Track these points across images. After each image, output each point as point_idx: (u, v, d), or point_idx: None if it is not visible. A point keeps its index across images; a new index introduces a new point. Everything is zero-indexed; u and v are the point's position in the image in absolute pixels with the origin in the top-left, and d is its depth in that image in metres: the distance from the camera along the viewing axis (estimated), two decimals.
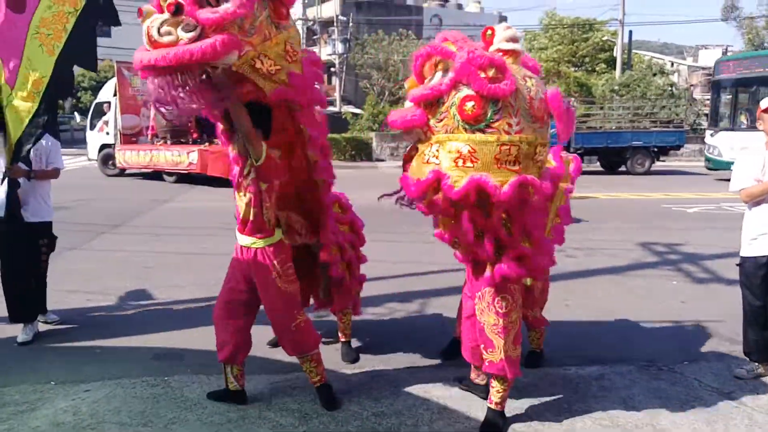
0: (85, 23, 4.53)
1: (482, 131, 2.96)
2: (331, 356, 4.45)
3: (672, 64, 44.92)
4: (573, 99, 22.15)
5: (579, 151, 17.75)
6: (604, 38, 36.55)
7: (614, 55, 32.91)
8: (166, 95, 3.02)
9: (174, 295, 5.99)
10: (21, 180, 4.68)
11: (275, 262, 3.46)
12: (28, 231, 4.74)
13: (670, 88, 29.34)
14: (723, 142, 16.65)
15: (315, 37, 33.43)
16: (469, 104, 2.94)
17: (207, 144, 14.62)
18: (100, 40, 5.03)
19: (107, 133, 17.45)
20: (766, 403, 3.75)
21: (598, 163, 20.75)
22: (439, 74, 3.10)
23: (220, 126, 3.58)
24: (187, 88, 3.02)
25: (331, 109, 30.46)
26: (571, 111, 3.24)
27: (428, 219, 3.48)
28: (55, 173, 5.01)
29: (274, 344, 4.59)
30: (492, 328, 3.37)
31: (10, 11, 4.32)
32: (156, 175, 16.27)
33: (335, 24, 30.82)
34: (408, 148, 3.31)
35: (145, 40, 2.98)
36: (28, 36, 4.37)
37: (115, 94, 16.65)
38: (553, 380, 4.08)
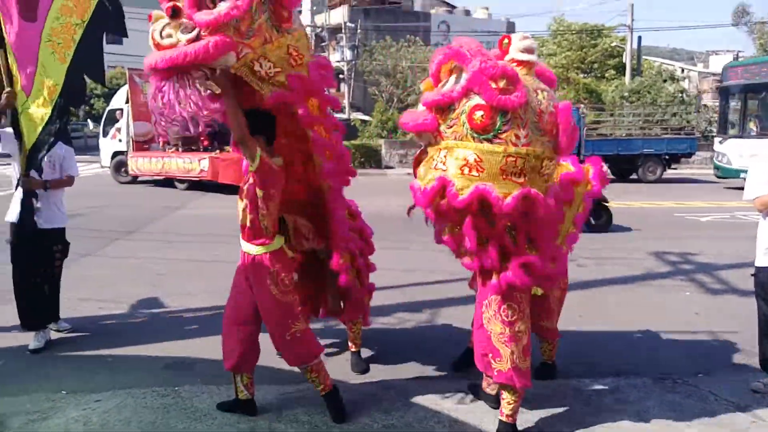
0: (93, 34, 4.60)
1: (490, 141, 2.98)
2: (340, 366, 4.44)
3: (682, 70, 44.71)
4: (583, 105, 22.04)
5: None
6: (613, 44, 36.42)
7: (623, 61, 32.81)
8: (165, 97, 3.08)
9: (186, 303, 6.00)
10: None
11: (271, 270, 3.46)
12: (42, 237, 4.76)
13: (680, 95, 29.18)
14: (732, 150, 16.45)
15: (323, 43, 33.59)
16: (479, 113, 2.96)
17: (218, 151, 14.68)
18: (112, 48, 5.09)
19: (120, 141, 17.56)
20: None
21: (609, 171, 20.63)
22: (452, 80, 3.13)
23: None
24: (186, 90, 3.09)
25: (340, 116, 30.55)
26: (577, 129, 3.24)
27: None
28: (69, 181, 5.03)
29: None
30: (498, 337, 3.36)
31: (23, 20, 4.36)
32: (168, 182, 16.35)
33: (343, 31, 30.93)
34: (419, 152, 3.35)
35: (151, 44, 3.09)
36: (41, 43, 4.43)
37: (127, 102, 16.76)
38: (566, 392, 4.04)
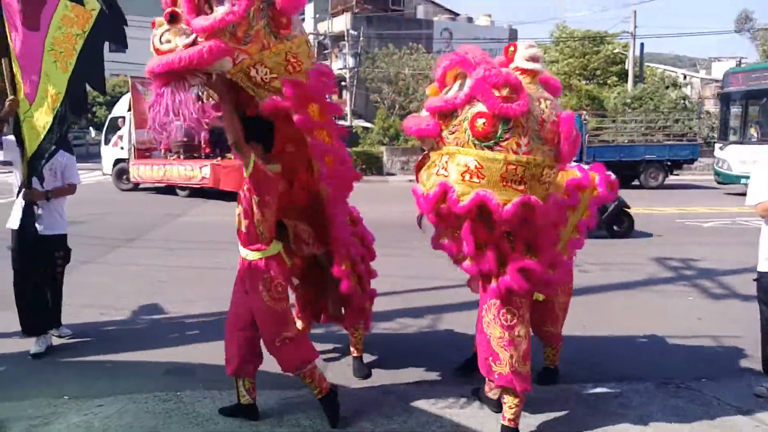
0: (94, 45, 4.64)
1: (491, 148, 3.02)
2: (342, 371, 4.44)
3: (685, 77, 44.70)
4: (585, 112, 22.05)
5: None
6: (616, 51, 36.47)
7: (626, 67, 32.84)
8: (163, 102, 3.14)
9: (187, 310, 6.00)
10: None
11: (265, 276, 3.48)
12: (43, 243, 4.77)
13: (683, 101, 29.19)
14: (732, 156, 16.41)
15: (326, 51, 33.66)
16: (480, 121, 3.00)
17: (219, 158, 14.70)
18: (115, 56, 5.13)
19: (121, 148, 17.60)
20: None
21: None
22: (456, 86, 3.16)
23: None
24: (182, 95, 3.14)
25: (341, 123, 30.57)
26: (579, 137, 3.28)
27: None
28: (71, 189, 5.04)
29: None
30: (498, 341, 3.38)
31: (26, 29, 4.39)
32: (169, 189, 16.38)
33: (346, 38, 31.04)
34: (421, 157, 3.39)
35: (152, 49, 3.14)
36: (44, 52, 4.46)
37: (129, 109, 16.81)
38: (569, 397, 4.03)
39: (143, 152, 16.90)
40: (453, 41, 36.43)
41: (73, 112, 4.64)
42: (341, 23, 35.32)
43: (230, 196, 13.76)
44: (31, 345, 4.78)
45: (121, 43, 4.74)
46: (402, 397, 4.00)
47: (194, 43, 3.05)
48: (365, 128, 28.56)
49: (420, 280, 6.98)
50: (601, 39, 36.80)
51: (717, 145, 17.75)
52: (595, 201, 4.05)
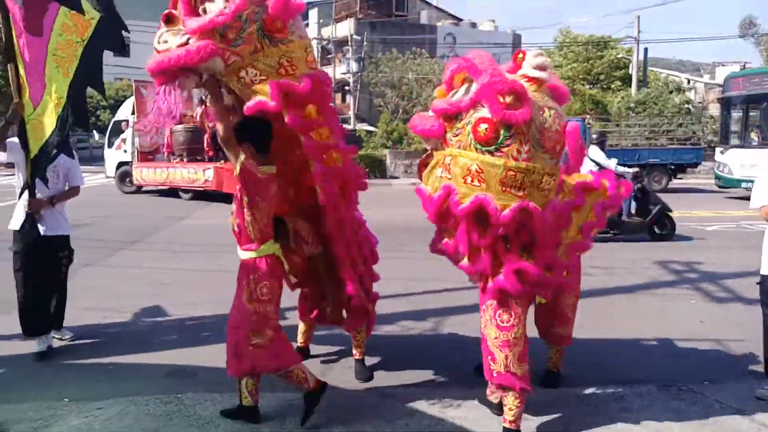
0: (93, 53, 4.69)
1: (491, 153, 3.08)
2: (344, 374, 4.43)
3: (689, 81, 44.70)
4: (588, 116, 22.06)
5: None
6: (619, 56, 36.49)
7: (629, 72, 32.86)
8: (158, 102, 3.23)
9: (189, 312, 6.00)
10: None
11: (251, 276, 3.50)
12: (47, 244, 4.79)
13: (686, 106, 29.16)
14: (733, 160, 16.33)
15: (329, 56, 33.70)
16: (483, 126, 3.05)
17: (222, 161, 14.70)
18: (119, 60, 5.18)
19: (125, 151, 17.64)
20: None
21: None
22: (462, 90, 3.23)
23: None
24: (175, 94, 3.23)
25: (345, 127, 30.62)
26: (584, 147, 3.39)
27: None
28: (74, 192, 5.07)
29: None
30: (494, 341, 3.42)
31: (29, 34, 4.42)
32: (172, 192, 16.39)
33: (350, 43, 31.05)
34: (425, 155, 3.47)
35: (154, 50, 3.27)
36: (47, 57, 4.49)
37: (133, 113, 16.85)
38: (571, 400, 4.02)
39: (146, 155, 16.94)
40: (456, 46, 36.45)
41: (75, 117, 4.66)
42: (345, 28, 35.38)
43: (233, 200, 13.78)
44: (31, 347, 4.79)
45: (120, 52, 4.80)
46: (404, 399, 3.99)
47: (187, 43, 3.13)
48: (369, 132, 28.60)
49: (423, 283, 6.96)
50: (605, 44, 36.87)
51: (718, 149, 17.71)
52: (601, 204, 4.04)
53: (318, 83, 3.43)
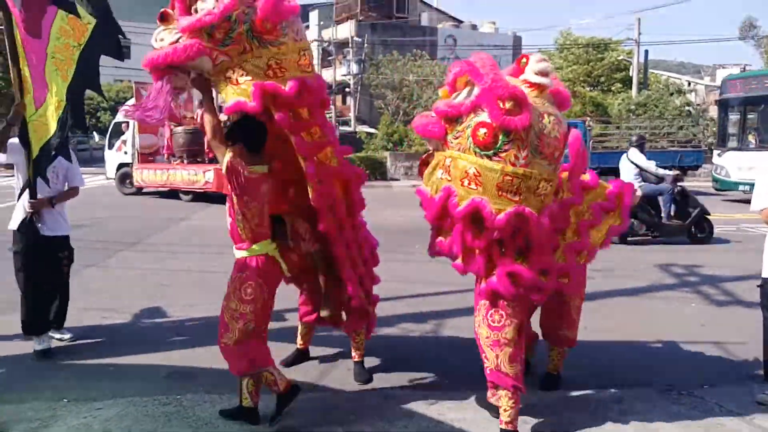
0: (90, 58, 4.73)
1: (490, 158, 3.11)
2: (343, 376, 4.42)
3: (689, 84, 44.70)
4: (589, 119, 22.06)
5: (596, 171, 17.67)
6: (620, 58, 36.51)
7: (630, 74, 32.87)
8: (155, 98, 3.34)
9: (189, 314, 5.99)
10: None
11: (239, 274, 3.54)
12: (47, 244, 4.80)
13: (687, 108, 29.17)
14: (730, 162, 16.26)
15: (330, 58, 33.71)
16: (482, 131, 3.09)
17: None
18: (119, 62, 5.18)
19: (125, 153, 17.65)
20: None
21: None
22: (464, 93, 3.26)
23: None
24: (165, 91, 3.30)
25: (345, 128, 30.64)
26: (586, 152, 3.44)
27: None
28: (74, 192, 5.09)
29: (288, 363, 4.57)
30: (485, 340, 3.46)
31: (28, 36, 4.43)
32: (172, 193, 16.40)
33: (350, 45, 31.06)
34: (426, 154, 3.51)
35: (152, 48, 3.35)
36: (47, 59, 4.50)
37: None
38: (571, 403, 4.01)
39: (147, 157, 16.95)
40: (457, 48, 36.48)
41: (74, 120, 4.67)
42: (345, 30, 35.40)
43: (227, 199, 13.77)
44: (31, 347, 4.79)
45: (117, 57, 4.82)
46: (403, 401, 3.98)
47: (178, 41, 3.20)
48: (369, 134, 28.60)
49: (423, 285, 6.95)
50: (606, 46, 36.89)
51: (715, 152, 17.69)
52: (599, 204, 4.04)
53: (306, 87, 3.41)
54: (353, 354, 4.49)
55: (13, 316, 4.86)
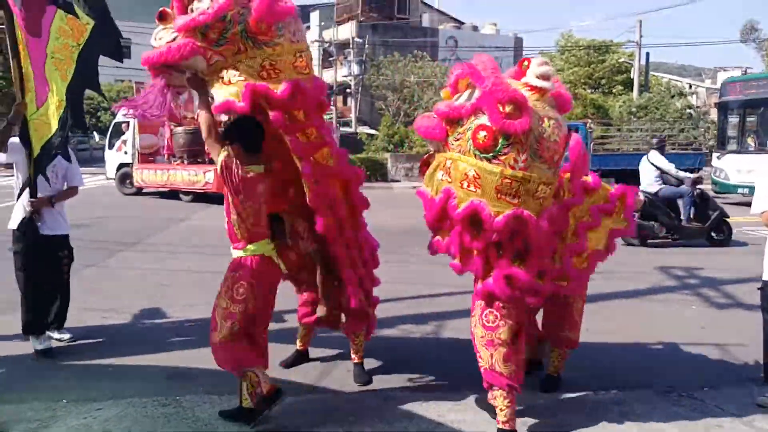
0: (89, 59, 4.74)
1: (489, 161, 3.12)
2: (343, 377, 4.42)
3: (690, 86, 44.71)
4: (590, 121, 22.07)
5: (597, 173, 17.67)
6: (621, 60, 36.51)
7: (631, 76, 32.87)
8: (152, 97, 3.43)
9: (188, 314, 5.99)
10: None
11: (233, 273, 3.55)
12: (47, 243, 4.81)
13: (688, 111, 29.18)
14: (730, 165, 16.20)
15: (331, 58, 33.74)
16: (482, 134, 3.10)
17: None
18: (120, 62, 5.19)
19: (125, 153, 17.66)
20: None
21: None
22: (466, 95, 3.28)
23: None
24: (161, 90, 3.33)
25: (346, 129, 30.67)
26: (587, 155, 3.48)
27: None
28: (73, 192, 5.10)
29: (288, 365, 4.56)
30: (480, 340, 3.48)
31: (29, 35, 4.43)
32: (172, 194, 16.40)
33: (351, 46, 31.10)
34: (428, 155, 3.53)
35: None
36: (47, 59, 4.50)
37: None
38: (571, 404, 4.01)
39: (147, 157, 16.95)
40: (458, 49, 36.50)
41: (73, 120, 4.67)
42: (346, 31, 35.44)
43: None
44: (31, 348, 4.78)
45: (116, 58, 4.83)
46: (403, 402, 3.98)
47: (174, 40, 3.24)
48: (370, 135, 28.59)
49: (424, 287, 6.95)
50: (607, 48, 36.91)
51: (715, 155, 17.66)
52: (598, 207, 4.04)
53: (300, 90, 3.38)
54: (353, 355, 4.48)
55: (13, 316, 4.86)
